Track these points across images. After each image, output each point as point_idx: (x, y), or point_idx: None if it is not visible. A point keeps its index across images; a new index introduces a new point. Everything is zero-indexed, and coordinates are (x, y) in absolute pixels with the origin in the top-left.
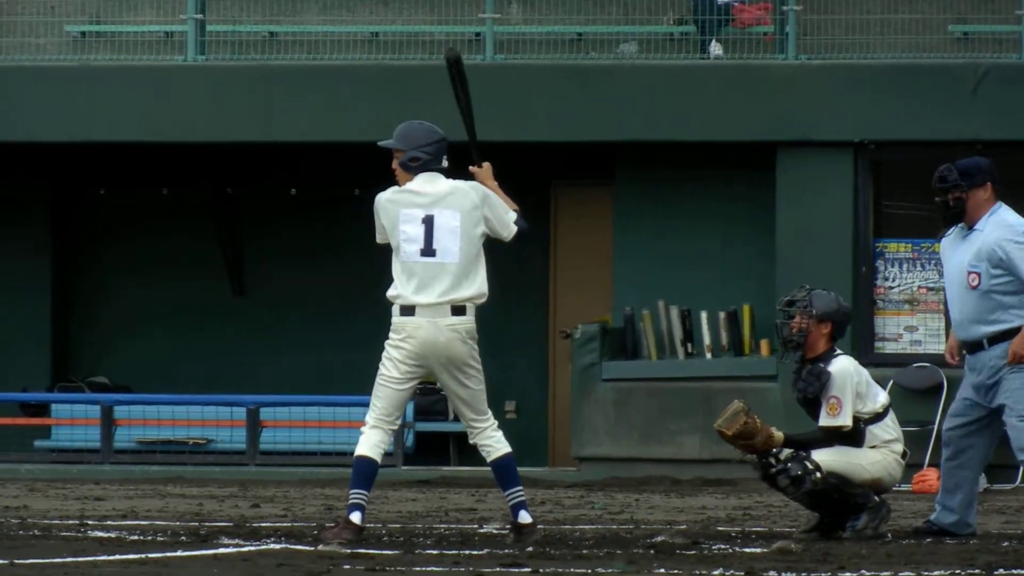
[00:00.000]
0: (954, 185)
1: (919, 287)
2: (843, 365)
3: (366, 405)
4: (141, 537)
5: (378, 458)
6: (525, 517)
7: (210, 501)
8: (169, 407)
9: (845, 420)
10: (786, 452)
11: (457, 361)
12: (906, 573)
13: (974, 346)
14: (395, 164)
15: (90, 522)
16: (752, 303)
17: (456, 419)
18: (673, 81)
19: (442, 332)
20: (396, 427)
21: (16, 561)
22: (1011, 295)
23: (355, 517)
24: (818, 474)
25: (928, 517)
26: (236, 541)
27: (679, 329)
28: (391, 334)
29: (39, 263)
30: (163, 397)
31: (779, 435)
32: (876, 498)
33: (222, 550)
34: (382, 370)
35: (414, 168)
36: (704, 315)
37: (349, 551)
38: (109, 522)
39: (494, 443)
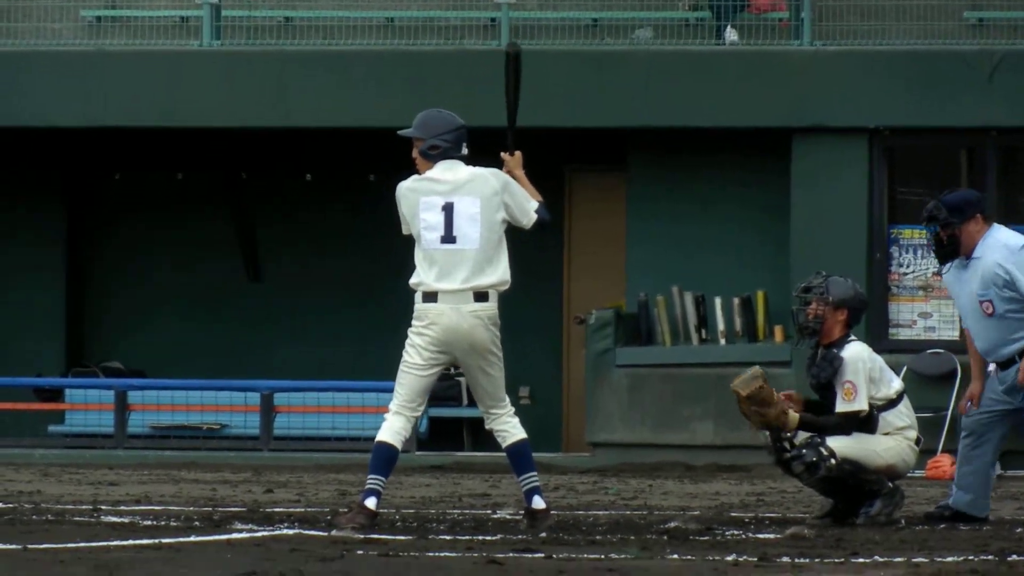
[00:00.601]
0: (945, 223)
1: (933, 273)
2: (856, 351)
3: (380, 391)
4: (154, 522)
5: (399, 445)
6: (539, 503)
7: (224, 486)
8: (183, 392)
9: (861, 404)
10: (801, 437)
11: (479, 347)
12: (919, 559)
13: (1007, 363)
14: (415, 152)
15: (104, 507)
16: (766, 289)
17: (470, 405)
18: (688, 67)
19: (465, 318)
20: (419, 414)
21: (29, 546)
22: None
23: (370, 502)
24: (833, 460)
25: (940, 502)
26: (249, 526)
27: (693, 315)
28: (414, 321)
29: (53, 248)
30: (177, 382)
31: (795, 416)
32: (890, 484)
33: (235, 535)
34: (405, 357)
35: (434, 156)
36: (718, 301)
37: (362, 536)
38: (123, 507)
39: (510, 428)
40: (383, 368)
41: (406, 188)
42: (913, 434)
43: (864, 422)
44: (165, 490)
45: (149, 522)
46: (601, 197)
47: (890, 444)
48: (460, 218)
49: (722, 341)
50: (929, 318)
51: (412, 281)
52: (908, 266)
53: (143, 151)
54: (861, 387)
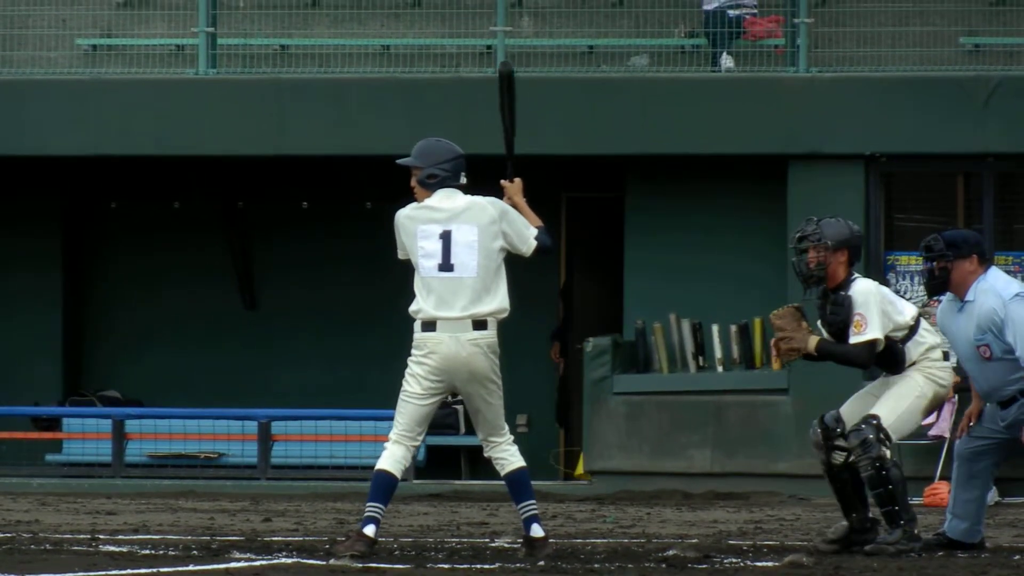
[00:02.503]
0: (940, 255)
1: (931, 300)
2: (863, 286)
3: (377, 419)
4: (153, 552)
5: (398, 473)
6: (537, 531)
7: (222, 515)
8: (180, 421)
9: (873, 333)
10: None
11: (479, 376)
12: None
13: (1007, 403)
14: (414, 181)
15: (101, 536)
16: (763, 316)
17: (467, 433)
18: (684, 94)
19: (464, 347)
20: (419, 442)
21: (27, 575)
22: None
23: (369, 530)
24: (886, 447)
25: (938, 530)
26: (248, 555)
27: (690, 342)
28: (413, 350)
29: (50, 276)
30: (174, 411)
31: (815, 338)
32: (916, 531)
33: (234, 564)
34: (405, 386)
35: (432, 185)
36: (715, 328)
37: (361, 565)
38: (120, 536)
39: (508, 456)
40: (381, 395)
41: (404, 216)
42: (937, 353)
43: (890, 359)
44: (163, 519)
45: (147, 551)
46: (598, 224)
47: (919, 381)
48: (458, 246)
49: (719, 368)
50: None
51: (411, 308)
52: (905, 292)
53: (139, 179)
54: (871, 317)
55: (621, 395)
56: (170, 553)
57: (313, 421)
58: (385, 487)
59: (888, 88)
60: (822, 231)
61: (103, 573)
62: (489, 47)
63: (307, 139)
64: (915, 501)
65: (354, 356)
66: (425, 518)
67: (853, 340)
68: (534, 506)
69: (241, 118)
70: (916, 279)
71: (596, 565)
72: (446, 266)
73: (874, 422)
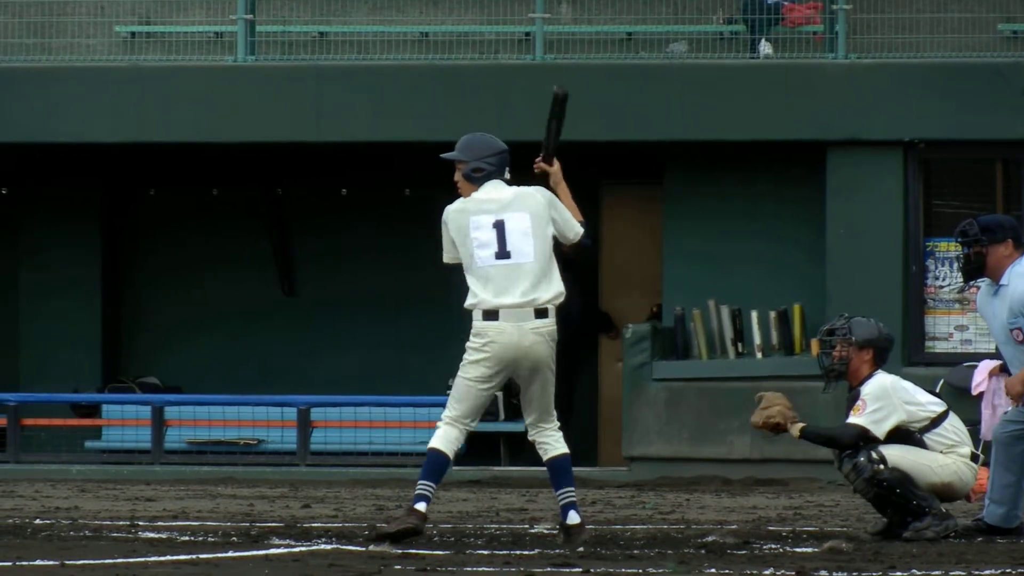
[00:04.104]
0: (975, 240)
1: (970, 286)
2: (877, 379)
3: (416, 405)
4: (192, 538)
5: (451, 454)
6: (574, 518)
7: (261, 501)
8: (220, 407)
9: (864, 421)
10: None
11: (540, 363)
12: (957, 572)
13: None
14: (458, 176)
15: (141, 523)
16: (802, 302)
17: (507, 419)
18: (723, 81)
19: (526, 336)
20: (472, 428)
21: (67, 562)
22: None
23: (420, 506)
24: (881, 465)
25: (977, 516)
26: (287, 542)
27: (729, 328)
28: (473, 339)
29: (90, 264)
30: (214, 397)
31: (800, 425)
32: (943, 508)
33: (273, 551)
34: (463, 372)
35: (478, 179)
36: (755, 315)
37: (400, 551)
38: (160, 523)
39: (553, 442)
40: (421, 382)
41: (454, 211)
42: (966, 450)
43: (908, 443)
44: (202, 505)
45: (187, 538)
46: (637, 211)
47: (945, 462)
48: (512, 234)
49: (759, 355)
50: (965, 331)
51: (468, 303)
52: (944, 279)
53: (178, 167)
54: (872, 405)
55: (660, 381)
56: (209, 539)
57: (352, 407)
58: (438, 466)
59: (927, 74)
60: (850, 327)
61: (142, 559)
62: (528, 34)
63: (346, 126)
64: None
65: (394, 343)
66: (464, 504)
67: (849, 420)
68: (572, 493)
69: (280, 105)
70: (954, 265)
71: (635, 551)
72: (503, 254)
73: (870, 447)
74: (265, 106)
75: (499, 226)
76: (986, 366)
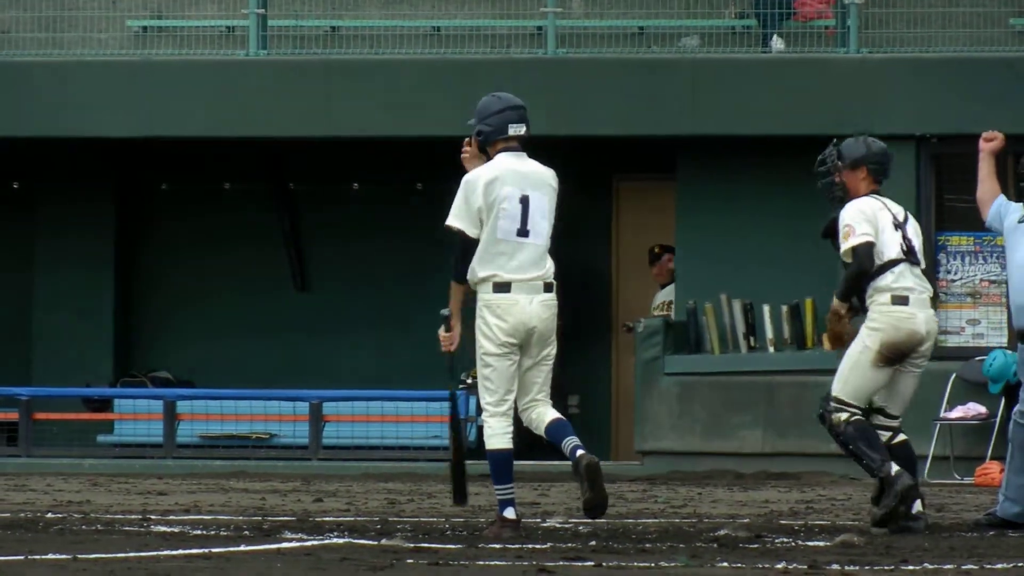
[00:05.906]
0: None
1: (981, 280)
2: (855, 202)
3: (428, 399)
4: (204, 532)
5: (510, 445)
6: (583, 453)
7: (273, 495)
8: (232, 402)
9: (859, 239)
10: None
11: (547, 336)
12: (969, 566)
13: None
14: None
15: (153, 517)
16: (814, 296)
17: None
18: (735, 75)
19: (536, 308)
20: (512, 409)
21: (79, 556)
22: None
23: (509, 513)
24: (840, 415)
25: (990, 510)
26: (299, 535)
27: (742, 323)
28: (484, 314)
29: (102, 258)
30: (226, 392)
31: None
32: (891, 469)
33: (285, 544)
34: (483, 354)
35: (481, 142)
36: (767, 309)
37: (412, 545)
38: (172, 517)
39: (546, 410)
40: (434, 377)
41: (486, 181)
42: (885, 297)
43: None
44: (214, 499)
45: (199, 531)
46: (649, 205)
47: (863, 335)
48: (535, 214)
49: (771, 349)
50: (977, 325)
51: (481, 273)
52: (956, 273)
53: (190, 161)
54: (857, 224)
55: (673, 375)
56: (221, 533)
57: (364, 402)
58: (506, 465)
59: (938, 69)
60: (838, 151)
61: (154, 553)
62: (540, 28)
63: (358, 120)
64: (967, 481)
65: (405, 337)
66: (476, 498)
67: (843, 248)
68: (577, 440)
69: (292, 100)
70: (967, 259)
71: (648, 545)
72: (523, 231)
73: (826, 396)
74: (277, 101)
75: (524, 202)
76: None
